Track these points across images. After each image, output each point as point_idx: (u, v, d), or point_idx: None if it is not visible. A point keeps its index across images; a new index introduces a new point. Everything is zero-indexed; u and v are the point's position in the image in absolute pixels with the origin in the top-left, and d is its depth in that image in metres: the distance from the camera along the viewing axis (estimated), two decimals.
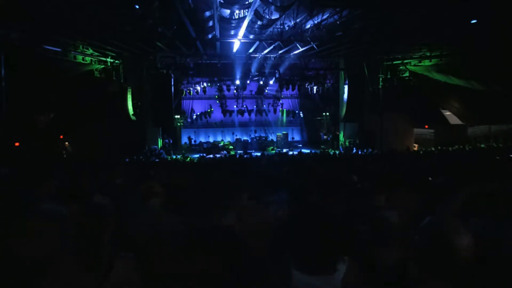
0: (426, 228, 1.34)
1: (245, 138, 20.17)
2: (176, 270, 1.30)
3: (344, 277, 1.50)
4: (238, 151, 17.71)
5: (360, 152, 15.01)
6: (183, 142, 19.28)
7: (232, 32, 11.68)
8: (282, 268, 1.51)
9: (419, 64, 14.26)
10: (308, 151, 15.79)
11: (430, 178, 4.20)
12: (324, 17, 10.43)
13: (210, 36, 11.60)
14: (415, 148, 15.84)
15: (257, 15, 9.51)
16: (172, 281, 1.31)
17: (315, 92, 18.56)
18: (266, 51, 13.40)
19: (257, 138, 20.05)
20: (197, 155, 16.15)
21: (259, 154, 15.13)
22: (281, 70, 15.70)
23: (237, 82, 16.24)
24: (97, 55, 12.95)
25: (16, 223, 0.98)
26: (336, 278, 1.51)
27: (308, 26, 11.30)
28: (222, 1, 8.84)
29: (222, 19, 10.12)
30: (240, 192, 2.71)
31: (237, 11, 10.14)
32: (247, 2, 9.08)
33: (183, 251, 1.23)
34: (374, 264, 1.70)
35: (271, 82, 17.31)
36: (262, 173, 5.26)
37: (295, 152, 14.76)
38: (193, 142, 19.82)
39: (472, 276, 1.31)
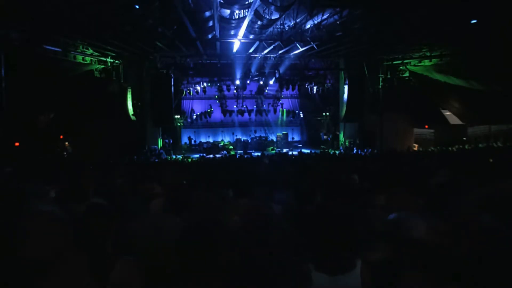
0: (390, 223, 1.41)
1: (245, 138, 20.17)
2: (176, 270, 1.30)
3: (361, 274, 1.54)
4: (238, 151, 17.72)
5: (360, 152, 15.01)
6: (183, 142, 19.28)
7: (232, 32, 11.67)
8: (301, 270, 1.53)
9: (419, 64, 14.26)
10: (308, 151, 15.79)
11: (430, 179, 4.19)
12: (324, 17, 10.42)
13: (210, 36, 11.59)
14: (415, 148, 15.84)
15: (257, 15, 9.51)
16: (172, 281, 1.31)
17: (315, 92, 18.56)
18: (266, 51, 13.39)
19: (257, 138, 20.06)
20: (197, 155, 16.15)
21: (259, 154, 15.13)
22: (281, 70, 15.69)
23: (237, 82, 16.24)
24: (97, 55, 12.95)
25: (19, 224, 0.98)
26: (354, 275, 1.54)
27: (308, 26, 11.28)
28: (222, 1, 8.83)
29: (222, 19, 10.12)
30: (242, 192, 2.71)
31: (237, 11, 10.13)
32: (247, 2, 9.08)
33: (184, 250, 1.22)
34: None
35: (271, 82, 17.30)
36: (264, 173, 5.26)
37: (295, 152, 14.76)
38: (193, 142, 19.82)
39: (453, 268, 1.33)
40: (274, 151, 17.66)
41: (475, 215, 1.77)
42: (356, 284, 1.52)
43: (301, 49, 12.81)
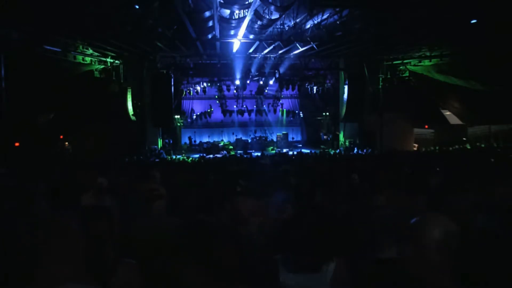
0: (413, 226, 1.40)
1: (245, 138, 20.16)
2: (177, 272, 1.29)
3: (333, 275, 1.52)
4: (238, 151, 17.71)
5: (360, 152, 15.01)
6: (183, 142, 19.29)
7: (232, 32, 11.66)
8: (270, 268, 1.53)
9: (419, 64, 14.25)
10: (308, 151, 15.79)
11: (430, 179, 4.19)
12: (324, 17, 10.42)
13: (210, 36, 11.59)
14: (415, 148, 15.85)
15: (257, 15, 9.51)
16: (173, 284, 1.31)
17: (315, 92, 18.57)
18: (266, 51, 13.38)
19: (257, 138, 20.04)
20: (197, 155, 16.15)
21: (259, 154, 15.11)
22: (281, 70, 15.68)
23: (237, 82, 16.23)
24: (97, 55, 12.94)
25: (21, 223, 0.98)
26: (324, 276, 1.53)
27: (308, 26, 11.29)
28: (222, 1, 8.83)
29: (222, 19, 10.11)
30: (241, 192, 2.70)
31: (237, 11, 10.13)
32: (247, 2, 9.07)
33: (185, 252, 1.22)
34: (371, 262, 1.72)
35: (271, 82, 17.30)
36: (264, 173, 5.26)
37: (295, 152, 14.75)
38: (193, 142, 19.82)
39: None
40: (274, 151, 17.65)
41: (473, 216, 1.78)
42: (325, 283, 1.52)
43: (301, 49, 12.80)
